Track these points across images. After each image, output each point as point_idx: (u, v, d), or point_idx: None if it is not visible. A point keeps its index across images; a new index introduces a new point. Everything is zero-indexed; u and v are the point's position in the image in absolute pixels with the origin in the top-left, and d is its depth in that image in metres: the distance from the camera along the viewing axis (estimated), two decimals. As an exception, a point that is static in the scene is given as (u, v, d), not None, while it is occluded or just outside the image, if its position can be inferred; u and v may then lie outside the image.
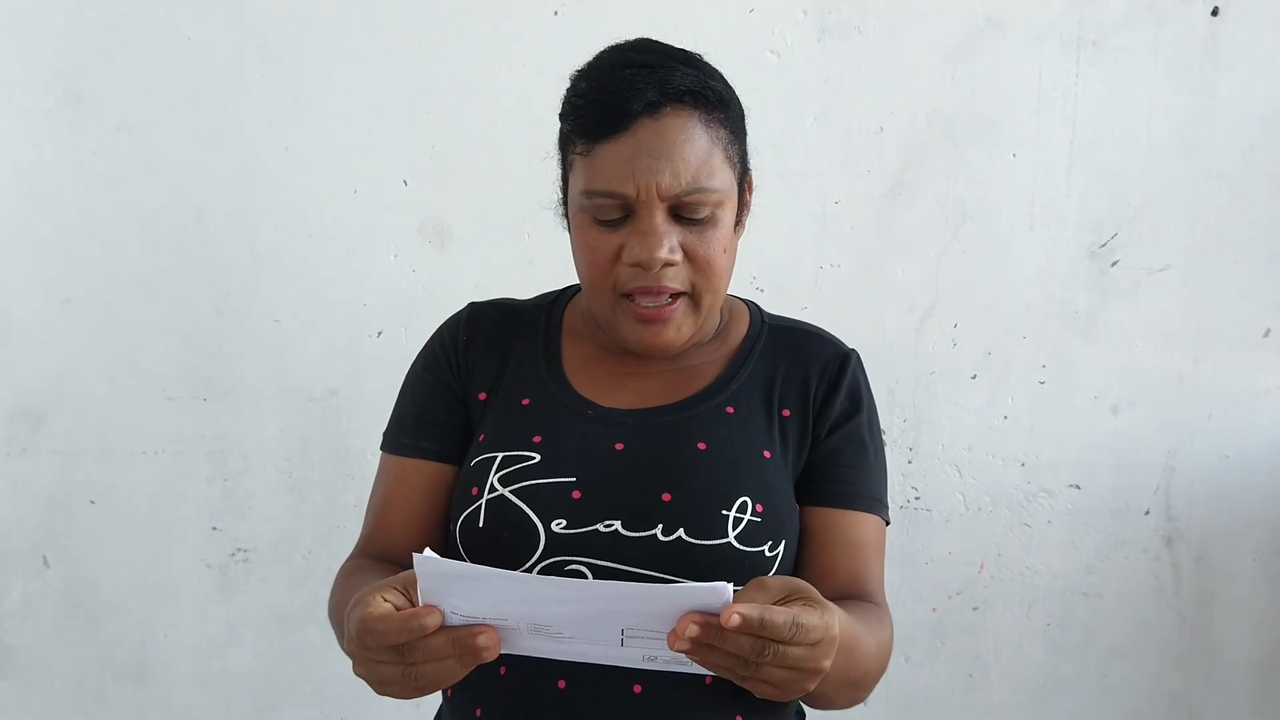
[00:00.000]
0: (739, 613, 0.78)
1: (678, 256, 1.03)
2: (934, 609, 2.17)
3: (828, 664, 0.83)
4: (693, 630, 0.79)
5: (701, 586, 0.79)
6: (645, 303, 1.05)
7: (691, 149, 1.00)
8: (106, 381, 2.09)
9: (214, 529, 2.14)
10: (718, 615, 0.79)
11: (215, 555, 2.15)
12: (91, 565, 2.14)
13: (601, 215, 1.03)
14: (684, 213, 1.02)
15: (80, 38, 2.01)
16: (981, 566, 2.16)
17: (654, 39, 1.09)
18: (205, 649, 2.17)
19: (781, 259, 2.08)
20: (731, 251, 1.07)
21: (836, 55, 2.05)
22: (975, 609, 2.17)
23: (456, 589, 0.81)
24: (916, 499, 2.14)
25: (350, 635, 0.86)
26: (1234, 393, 2.12)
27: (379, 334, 2.09)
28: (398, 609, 0.84)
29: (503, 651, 0.85)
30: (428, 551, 0.80)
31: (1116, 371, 2.12)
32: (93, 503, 2.12)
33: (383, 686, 0.88)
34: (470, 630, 0.83)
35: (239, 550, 2.15)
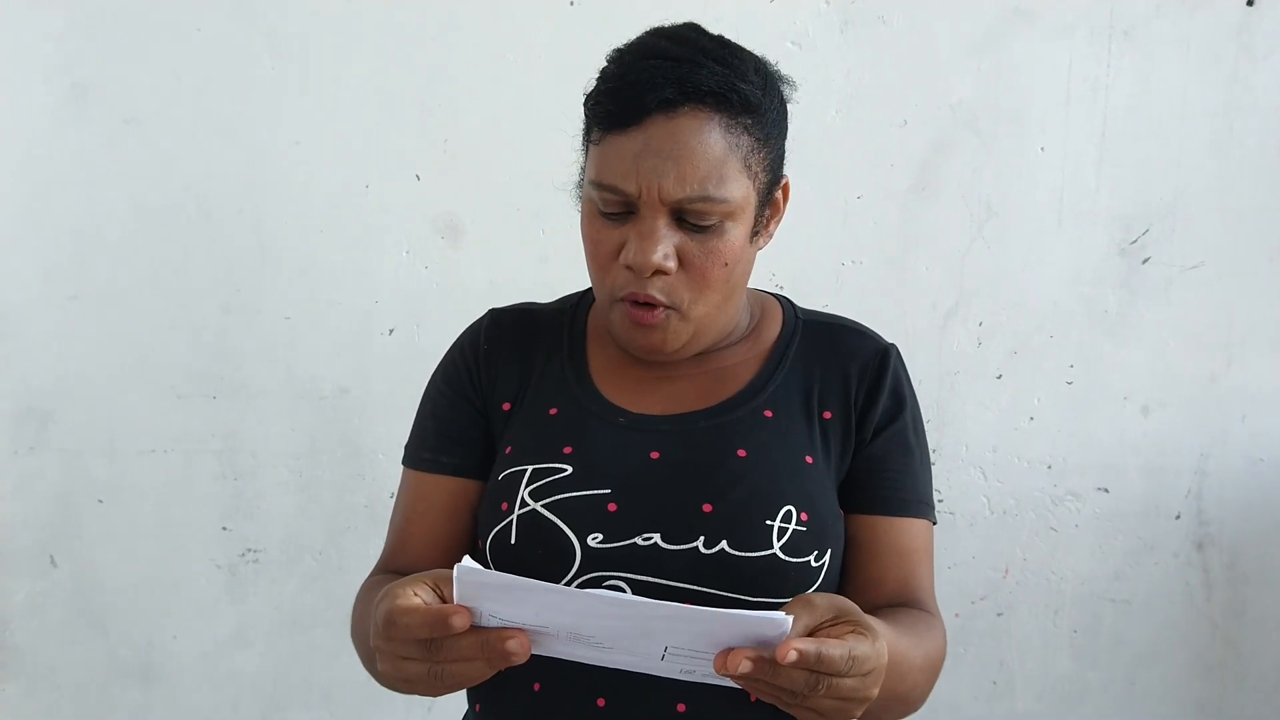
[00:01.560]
0: (796, 649, 0.75)
1: (672, 264, 0.98)
2: (957, 614, 2.13)
3: (876, 691, 0.80)
4: (745, 667, 0.76)
5: (761, 617, 0.75)
6: (635, 304, 1.01)
7: (703, 153, 0.95)
8: (114, 379, 2.07)
9: (223, 529, 2.11)
10: (771, 647, 0.76)
11: (224, 555, 2.12)
12: (99, 565, 2.12)
13: (606, 208, 1.00)
14: (689, 219, 0.98)
15: (86, 30, 1.98)
16: (1006, 571, 2.13)
17: (699, 28, 1.03)
18: (213, 650, 2.15)
19: (802, 255, 2.04)
20: (738, 265, 1.02)
21: (859, 46, 2.02)
22: (1000, 615, 2.14)
23: (496, 596, 0.79)
24: (940, 501, 2.10)
25: (376, 628, 0.83)
26: (1268, 394, 2.09)
27: (390, 331, 2.06)
28: (429, 605, 0.81)
29: (535, 653, 0.82)
30: (467, 560, 0.77)
31: (1147, 372, 2.09)
32: (100, 502, 2.10)
33: (407, 684, 0.85)
34: (501, 634, 0.79)
35: (248, 550, 2.12)
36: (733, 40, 1.02)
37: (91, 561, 2.12)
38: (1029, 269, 2.06)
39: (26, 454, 2.08)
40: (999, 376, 2.08)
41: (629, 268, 0.99)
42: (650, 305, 1.00)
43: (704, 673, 0.81)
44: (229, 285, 2.05)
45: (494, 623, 0.80)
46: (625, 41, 1.03)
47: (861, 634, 0.79)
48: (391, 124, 2.02)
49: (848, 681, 0.77)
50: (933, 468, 2.04)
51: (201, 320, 2.06)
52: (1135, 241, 2.05)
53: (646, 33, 1.03)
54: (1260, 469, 2.10)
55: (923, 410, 2.03)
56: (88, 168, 2.02)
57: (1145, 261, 2.05)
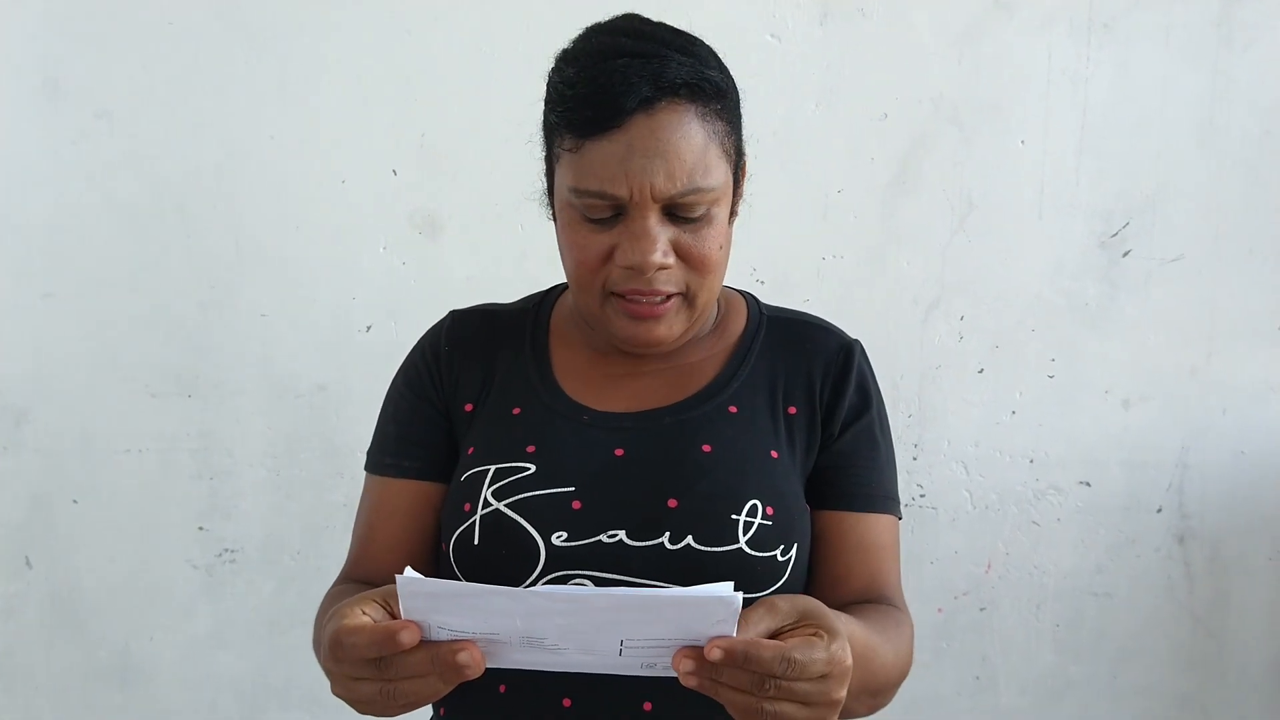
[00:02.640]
0: (720, 647, 0.75)
1: (671, 259, 0.98)
2: (940, 609, 2.13)
3: (842, 693, 0.79)
4: (687, 665, 0.76)
5: (706, 592, 0.74)
6: (638, 299, 1.00)
7: (687, 146, 0.95)
8: (88, 377, 2.05)
9: (200, 529, 2.09)
10: (720, 636, 0.76)
11: (202, 555, 2.11)
12: (75, 566, 2.10)
13: (591, 214, 0.98)
14: (679, 212, 0.97)
15: (59, 23, 1.96)
16: (989, 566, 2.12)
17: (643, 19, 1.02)
18: (192, 651, 2.13)
19: (782, 250, 2.04)
20: (727, 246, 1.03)
21: (839, 39, 2.01)
22: (982, 609, 2.13)
23: (443, 606, 0.77)
24: (922, 496, 2.10)
25: (324, 650, 0.82)
26: (1249, 387, 2.09)
27: (368, 328, 2.04)
28: (377, 622, 0.80)
29: (491, 666, 0.81)
30: (409, 571, 0.76)
31: (1128, 365, 2.08)
32: (76, 502, 2.08)
33: (362, 705, 0.84)
34: (451, 647, 0.78)
35: (226, 550, 2.10)
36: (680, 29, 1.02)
37: (68, 562, 2.10)
38: (1010, 263, 2.05)
39: (0, 454, 2.06)
40: (980, 371, 2.07)
41: (628, 269, 0.98)
42: (651, 303, 1.00)
43: (664, 665, 0.80)
44: (204, 282, 2.04)
45: (444, 635, 0.79)
46: (570, 45, 1.01)
47: (817, 637, 0.78)
48: (368, 119, 2.01)
49: (801, 686, 0.76)
50: (914, 462, 2.07)
51: (177, 318, 2.04)
52: (1116, 234, 2.04)
53: (594, 32, 1.01)
54: (1242, 462, 2.09)
55: (905, 405, 2.05)
56: (61, 164, 2.00)
57: (1126, 254, 2.05)
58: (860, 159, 2.03)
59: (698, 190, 0.96)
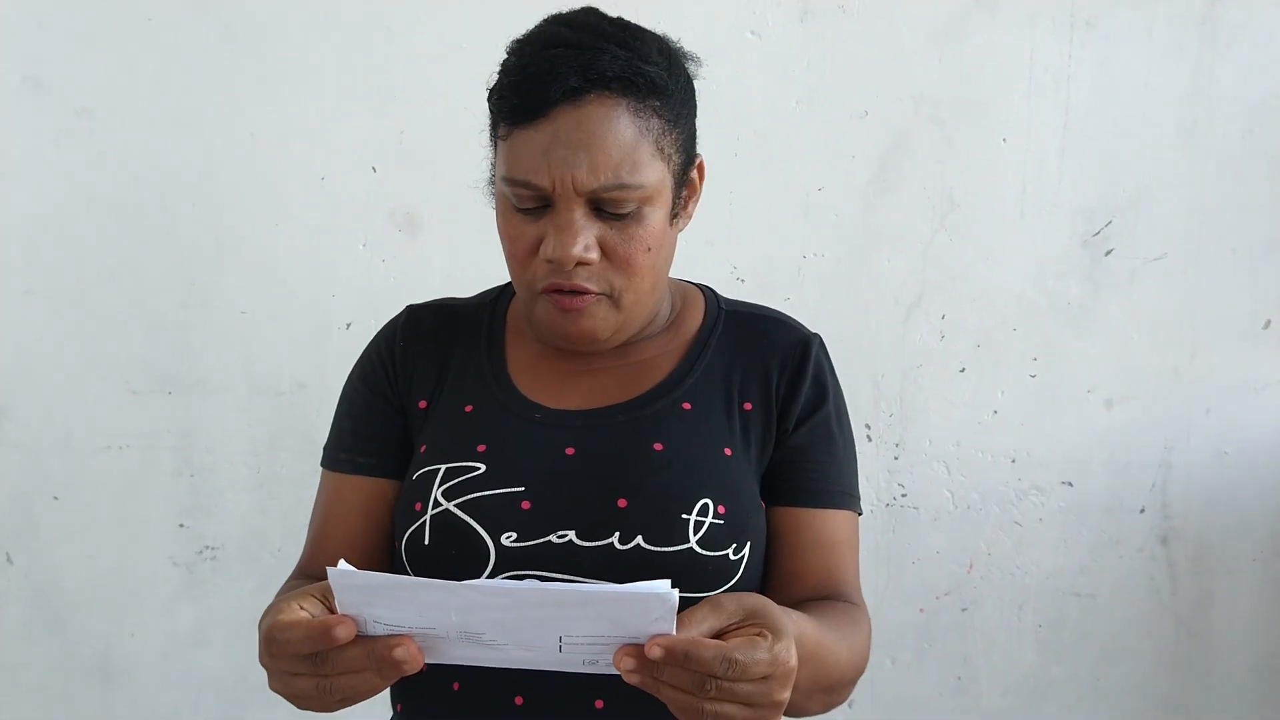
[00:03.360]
0: (660, 645, 0.75)
1: (594, 255, 0.97)
2: (921, 610, 2.13)
3: (784, 696, 0.78)
4: (628, 664, 0.77)
5: (642, 589, 0.74)
6: (560, 292, 1.00)
7: (614, 141, 0.94)
8: (69, 375, 2.05)
9: (181, 526, 2.10)
10: (660, 634, 0.76)
11: (182, 553, 2.11)
12: (55, 563, 2.10)
13: (520, 204, 0.98)
14: (606, 208, 0.97)
15: (39, 21, 1.97)
16: (971, 566, 2.12)
17: (599, 12, 1.02)
18: (172, 648, 2.13)
19: (763, 248, 2.04)
20: (661, 249, 1.01)
21: (819, 36, 2.01)
22: (964, 610, 2.13)
23: (377, 600, 0.77)
24: (903, 496, 2.10)
25: (261, 645, 0.82)
26: (1232, 387, 2.09)
27: (348, 326, 2.05)
28: (314, 618, 0.80)
29: (430, 661, 0.81)
30: (342, 564, 0.76)
31: (1110, 365, 2.08)
32: (56, 498, 2.09)
33: (300, 701, 0.83)
34: (388, 642, 0.78)
35: (206, 548, 2.11)
36: (633, 22, 1.01)
37: (48, 559, 2.10)
38: (992, 261, 2.05)
39: (-19, 450, 2.07)
40: (962, 370, 2.07)
41: (549, 261, 0.97)
42: (576, 292, 0.99)
43: (606, 663, 0.79)
44: (185, 280, 2.04)
45: (380, 630, 0.78)
46: (524, 32, 1.01)
47: (761, 637, 0.77)
48: (348, 116, 2.01)
49: (743, 686, 0.76)
50: (896, 461, 2.07)
51: (157, 315, 2.05)
52: (1098, 233, 2.05)
53: (545, 20, 1.02)
54: (1225, 462, 2.09)
55: (886, 404, 2.06)
56: (41, 161, 2.01)
57: (1108, 253, 2.05)
58: (841, 157, 2.03)
59: (623, 186, 0.95)
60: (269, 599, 2.13)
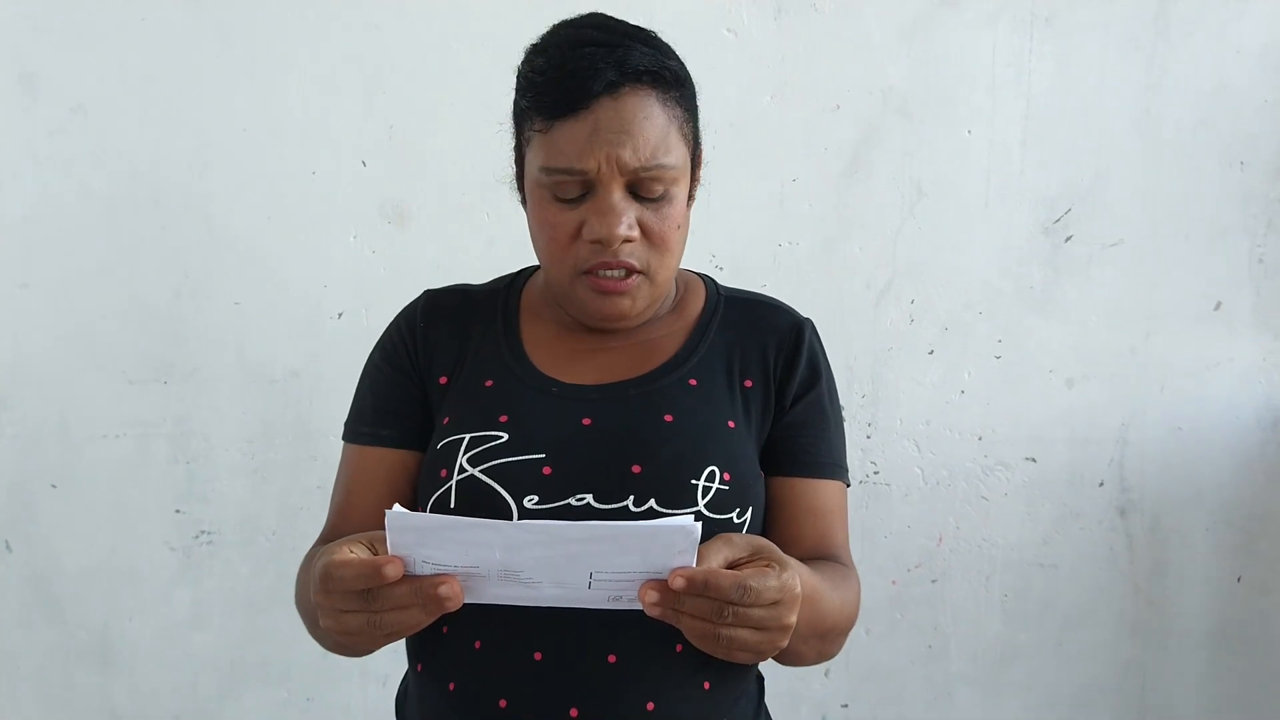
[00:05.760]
0: (682, 576, 0.83)
1: (636, 233, 1.05)
2: (894, 582, 2.19)
3: (793, 619, 0.87)
4: (652, 597, 0.84)
5: (668, 523, 0.81)
6: (605, 274, 1.07)
7: (650, 126, 1.02)
8: (65, 365, 2.08)
9: (177, 512, 2.14)
10: (681, 566, 0.83)
11: (179, 538, 2.15)
12: (54, 549, 2.14)
13: (561, 193, 1.05)
14: (641, 190, 1.04)
15: (34, 19, 1.99)
16: (940, 539, 2.18)
17: (608, 16, 1.10)
18: (170, 632, 2.17)
19: (740, 237, 2.10)
20: (685, 227, 1.10)
21: (793, 33, 2.06)
22: (934, 581, 2.20)
23: (428, 540, 0.83)
24: (875, 473, 2.16)
25: (315, 584, 0.88)
26: (1185, 366, 2.15)
27: (339, 315, 2.09)
28: (363, 558, 0.87)
29: (469, 601, 0.87)
30: (397, 507, 0.82)
31: (1070, 346, 2.14)
32: (54, 486, 2.12)
33: (349, 637, 0.89)
34: (433, 580, 0.85)
35: (202, 533, 2.15)
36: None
37: (46, 546, 2.13)
38: (958, 248, 2.11)
39: (-21, 441, 2.10)
40: (931, 352, 2.14)
41: (596, 242, 1.04)
42: (617, 279, 1.06)
43: (630, 598, 0.87)
44: (179, 271, 2.07)
45: (427, 570, 0.85)
46: (539, 39, 1.08)
47: (769, 568, 0.86)
48: (338, 111, 2.05)
49: (755, 611, 0.85)
50: (868, 440, 2.14)
51: (153, 307, 2.08)
52: (1058, 221, 2.11)
53: (561, 26, 1.09)
54: (1179, 437, 2.16)
55: (858, 385, 2.13)
56: (36, 156, 2.03)
57: (1068, 240, 2.11)
58: (814, 149, 2.09)
59: (661, 166, 1.03)
60: (264, 582, 2.19)
